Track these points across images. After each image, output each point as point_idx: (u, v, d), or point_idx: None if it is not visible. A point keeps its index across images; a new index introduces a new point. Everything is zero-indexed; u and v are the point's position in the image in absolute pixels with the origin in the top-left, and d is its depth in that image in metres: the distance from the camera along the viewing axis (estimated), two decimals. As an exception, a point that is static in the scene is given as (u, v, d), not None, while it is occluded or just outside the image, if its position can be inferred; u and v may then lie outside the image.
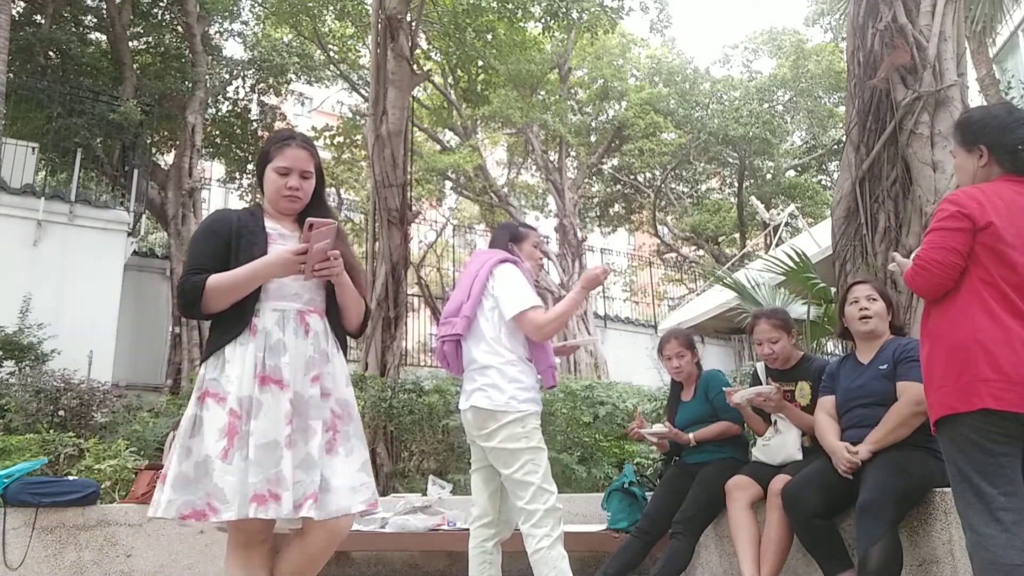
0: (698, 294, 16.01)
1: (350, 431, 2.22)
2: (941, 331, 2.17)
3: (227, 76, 13.11)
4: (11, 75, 9.20)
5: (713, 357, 12.97)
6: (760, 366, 3.72)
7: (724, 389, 3.59)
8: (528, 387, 2.90)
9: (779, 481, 3.20)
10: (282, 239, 2.27)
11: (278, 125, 14.43)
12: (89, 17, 12.26)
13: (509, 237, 3.24)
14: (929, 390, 2.20)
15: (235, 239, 2.21)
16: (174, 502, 2.03)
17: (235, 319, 2.16)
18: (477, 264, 3.12)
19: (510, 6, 12.26)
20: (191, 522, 2.03)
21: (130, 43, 11.71)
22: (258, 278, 2.15)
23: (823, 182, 19.06)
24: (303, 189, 2.30)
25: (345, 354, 2.35)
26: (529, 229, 3.33)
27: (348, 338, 2.41)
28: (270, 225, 2.29)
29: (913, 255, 2.27)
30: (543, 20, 12.51)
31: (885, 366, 2.99)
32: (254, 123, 13.91)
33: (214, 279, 2.13)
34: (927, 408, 2.76)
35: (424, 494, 4.68)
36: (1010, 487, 2.03)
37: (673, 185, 20.37)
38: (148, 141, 11.06)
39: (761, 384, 3.57)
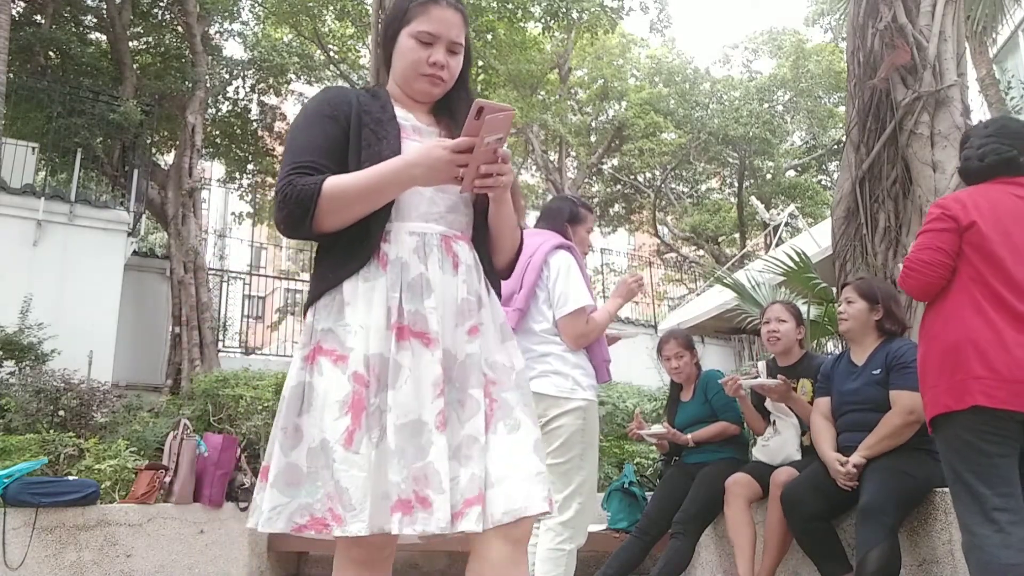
0: (698, 294, 16.00)
1: (510, 399, 1.51)
2: (935, 331, 2.21)
3: (227, 76, 13.09)
4: (11, 75, 9.18)
5: (713, 357, 12.94)
6: (761, 365, 3.73)
7: (720, 381, 3.61)
8: (590, 373, 2.78)
9: (783, 473, 3.20)
10: (416, 134, 1.60)
11: (278, 125, 14.44)
12: (89, 17, 12.24)
13: (568, 216, 2.96)
14: (924, 389, 2.23)
15: (355, 128, 1.54)
16: (283, 508, 1.39)
17: (356, 243, 1.49)
18: (530, 247, 2.77)
19: (510, 6, 12.26)
20: (310, 533, 1.38)
21: (130, 43, 11.69)
22: (397, 185, 1.47)
23: (823, 182, 19.09)
24: (449, 68, 1.59)
25: (499, 297, 1.67)
26: (588, 211, 3.05)
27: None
28: (401, 114, 1.61)
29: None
30: (543, 20, 12.52)
31: (878, 371, 2.99)
32: (254, 123, 13.91)
33: (333, 182, 1.45)
34: (920, 414, 2.80)
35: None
36: (1005, 487, 2.04)
37: (673, 185, 20.39)
38: (148, 141, 11.03)
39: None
